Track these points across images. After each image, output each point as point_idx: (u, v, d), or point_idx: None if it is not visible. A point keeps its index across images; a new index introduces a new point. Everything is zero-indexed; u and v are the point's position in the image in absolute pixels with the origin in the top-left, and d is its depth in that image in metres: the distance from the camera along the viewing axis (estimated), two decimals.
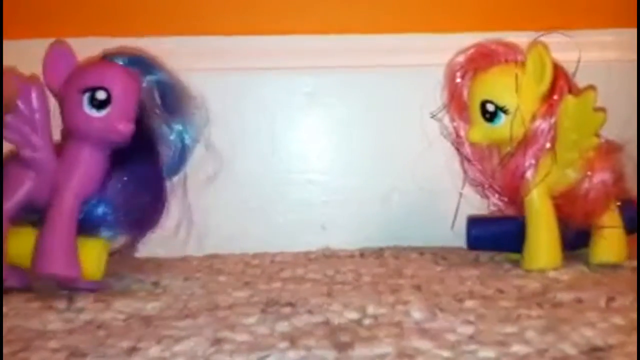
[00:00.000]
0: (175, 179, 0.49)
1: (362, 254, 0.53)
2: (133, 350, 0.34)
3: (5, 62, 0.46)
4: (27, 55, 0.46)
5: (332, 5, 0.57)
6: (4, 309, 0.40)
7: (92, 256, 0.44)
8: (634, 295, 0.40)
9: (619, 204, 0.48)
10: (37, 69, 0.46)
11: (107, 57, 0.47)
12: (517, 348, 0.33)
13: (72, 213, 0.43)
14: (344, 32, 0.56)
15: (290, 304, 0.40)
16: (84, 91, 0.44)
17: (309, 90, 0.56)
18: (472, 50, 0.50)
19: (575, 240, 0.48)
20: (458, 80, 0.50)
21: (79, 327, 0.38)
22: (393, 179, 0.56)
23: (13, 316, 0.39)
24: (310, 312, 0.39)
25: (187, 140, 0.48)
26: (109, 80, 0.44)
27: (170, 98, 0.48)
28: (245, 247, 0.55)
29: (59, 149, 0.45)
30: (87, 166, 0.44)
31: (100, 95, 0.44)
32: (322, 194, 0.56)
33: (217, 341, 0.34)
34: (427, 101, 0.51)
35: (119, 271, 0.48)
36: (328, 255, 0.53)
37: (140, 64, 0.47)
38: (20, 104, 0.43)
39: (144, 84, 0.47)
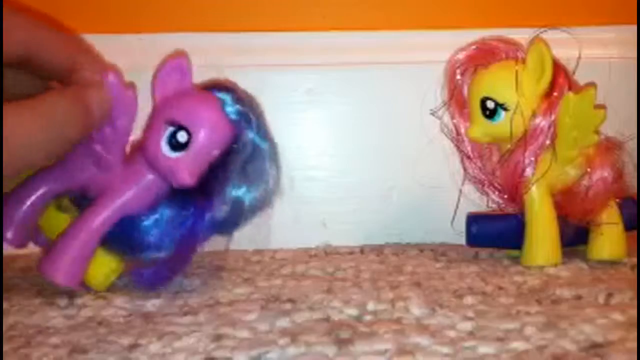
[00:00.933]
0: None
1: (362, 250, 0.54)
2: (134, 346, 0.34)
3: None
4: None
5: (332, 2, 0.57)
6: (5, 305, 0.41)
7: (102, 272, 0.43)
8: (633, 292, 0.40)
9: (618, 201, 0.48)
10: None
11: (216, 90, 0.43)
12: (517, 344, 0.33)
13: (103, 226, 0.41)
14: (344, 29, 0.56)
15: (291, 301, 0.40)
16: (169, 122, 0.41)
17: (309, 87, 0.56)
18: (472, 47, 0.50)
19: (575, 237, 0.48)
20: (458, 77, 0.50)
21: (80, 324, 0.38)
22: (393, 176, 0.56)
23: (14, 312, 0.39)
24: (310, 308, 0.39)
25: (248, 203, 0.43)
26: (198, 124, 0.40)
27: (253, 162, 0.43)
28: (245, 244, 0.55)
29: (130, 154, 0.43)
30: (142, 189, 0.42)
31: (182, 137, 0.40)
32: (322, 191, 0.56)
33: (218, 337, 0.34)
34: (427, 98, 0.51)
35: None
36: (328, 252, 0.53)
37: (246, 116, 0.42)
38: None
39: (238, 140, 0.42)
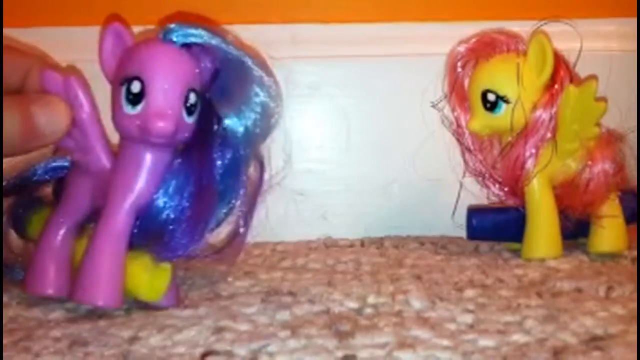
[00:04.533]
0: None
1: (363, 243, 0.54)
2: (134, 339, 0.34)
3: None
4: None
5: None
6: (6, 298, 0.41)
7: (144, 277, 0.38)
8: (634, 285, 0.40)
9: (619, 194, 0.48)
10: None
11: (163, 34, 0.38)
12: (517, 337, 0.33)
13: (123, 229, 0.37)
14: (345, 22, 0.56)
15: (291, 293, 0.40)
16: (123, 82, 0.37)
17: (310, 80, 0.55)
18: (473, 40, 0.50)
19: (575, 230, 0.48)
20: (459, 69, 0.50)
21: (80, 317, 0.38)
22: (393, 169, 0.56)
23: (15, 305, 0.40)
24: (310, 301, 0.39)
25: (272, 106, 0.41)
26: (144, 68, 0.36)
27: (237, 77, 0.39)
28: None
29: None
30: (140, 170, 0.37)
31: (135, 87, 0.36)
32: (322, 184, 0.56)
33: (218, 330, 0.34)
34: (428, 91, 0.51)
35: None
36: (328, 245, 0.53)
37: (209, 36, 0.38)
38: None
39: (205, 66, 0.38)
